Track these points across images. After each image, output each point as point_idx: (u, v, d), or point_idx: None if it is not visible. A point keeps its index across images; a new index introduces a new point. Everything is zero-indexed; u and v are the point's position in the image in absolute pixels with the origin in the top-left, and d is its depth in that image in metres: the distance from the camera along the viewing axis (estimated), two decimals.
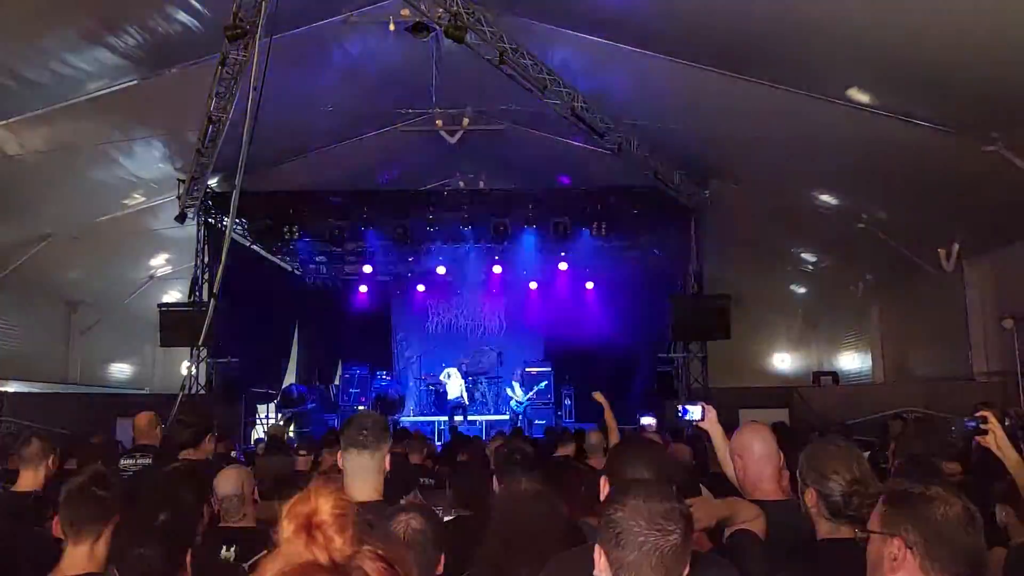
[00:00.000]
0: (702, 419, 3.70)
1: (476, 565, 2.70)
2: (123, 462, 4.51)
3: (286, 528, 1.10)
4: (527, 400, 15.76)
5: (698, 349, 14.15)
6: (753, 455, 3.01)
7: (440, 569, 2.41)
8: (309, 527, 1.08)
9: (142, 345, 17.88)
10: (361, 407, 16.04)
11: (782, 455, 3.05)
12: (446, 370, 16.46)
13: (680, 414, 3.90)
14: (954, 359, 12.94)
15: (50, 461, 4.10)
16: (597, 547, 1.80)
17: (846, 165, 10.99)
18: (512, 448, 4.35)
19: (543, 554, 2.55)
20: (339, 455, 2.96)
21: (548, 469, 4.22)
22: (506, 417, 15.98)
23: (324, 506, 1.10)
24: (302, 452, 6.57)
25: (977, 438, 2.98)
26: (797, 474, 2.58)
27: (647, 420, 7.81)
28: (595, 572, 1.81)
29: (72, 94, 9.75)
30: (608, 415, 5.76)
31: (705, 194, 13.26)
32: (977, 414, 3.00)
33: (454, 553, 2.52)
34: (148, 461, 4.40)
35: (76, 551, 2.59)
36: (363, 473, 2.83)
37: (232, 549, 3.29)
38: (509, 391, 16.39)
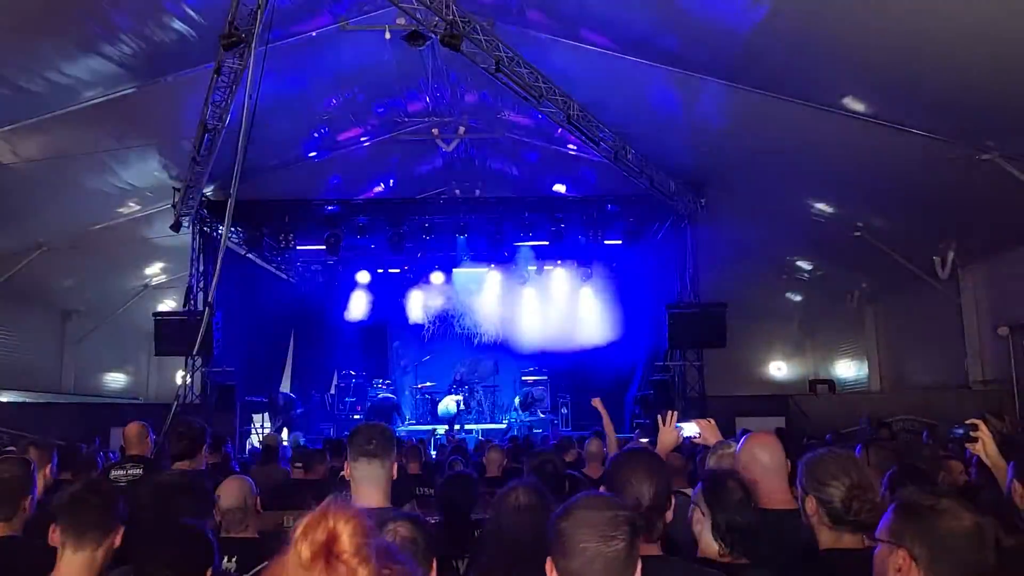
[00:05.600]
0: (697, 436, 3.70)
1: (472, 574, 2.68)
2: (114, 473, 4.45)
3: (302, 552, 1.03)
4: (525, 418, 15.78)
5: (694, 357, 14.13)
6: (760, 466, 2.99)
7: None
8: (328, 555, 1.02)
9: (136, 354, 17.82)
10: (357, 416, 15.98)
11: (789, 464, 3.03)
12: (449, 397, 16.36)
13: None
14: (950, 367, 12.96)
15: (47, 470, 4.05)
16: (548, 559, 1.83)
17: (842, 173, 11.01)
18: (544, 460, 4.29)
19: (540, 564, 2.52)
20: (346, 465, 3.00)
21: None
22: (503, 426, 15.92)
23: (344, 533, 1.04)
24: (298, 465, 6.52)
25: (967, 445, 2.97)
26: (796, 483, 2.56)
27: (643, 441, 7.75)
28: None
29: (67, 103, 9.73)
30: (606, 423, 5.73)
31: (701, 202, 13.26)
32: (968, 421, 2.99)
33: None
34: (140, 472, 4.36)
35: (75, 558, 2.56)
36: (373, 482, 2.92)
37: (233, 560, 3.26)
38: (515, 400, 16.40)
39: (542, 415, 15.99)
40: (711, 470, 2.98)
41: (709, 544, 2.58)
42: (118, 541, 2.63)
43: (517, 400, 16.47)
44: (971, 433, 2.95)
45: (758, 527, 2.66)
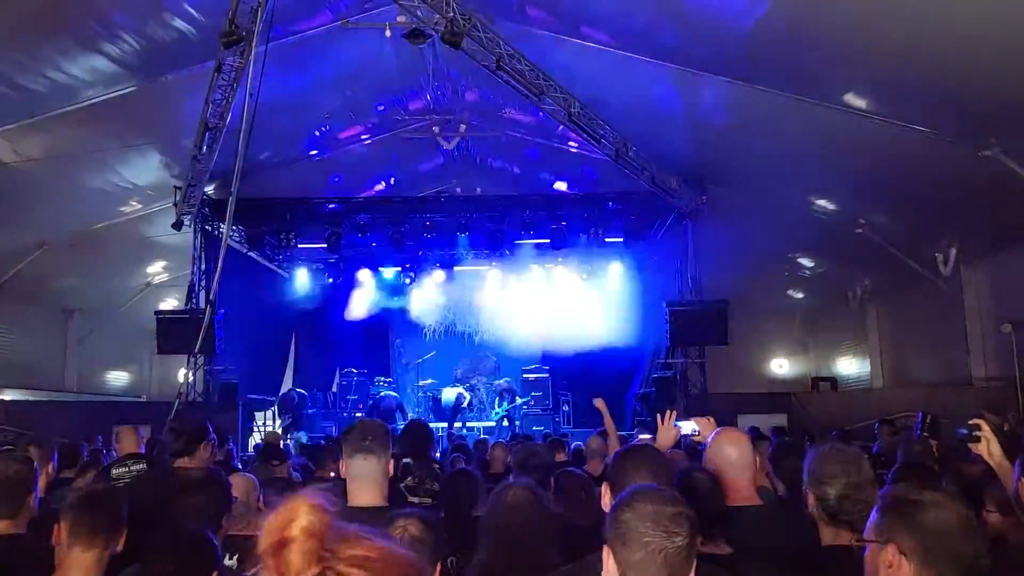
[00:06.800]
0: (695, 434, 3.70)
1: (470, 571, 2.68)
2: (115, 471, 4.47)
3: (262, 543, 1.05)
4: (503, 412, 15.74)
5: (696, 355, 14.12)
6: (728, 462, 2.99)
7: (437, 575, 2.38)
8: (278, 545, 1.03)
9: (139, 353, 17.82)
10: (359, 413, 15.99)
11: (759, 460, 3.04)
12: (450, 388, 16.37)
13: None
14: (952, 364, 12.93)
15: (49, 468, 4.07)
16: (605, 548, 1.82)
17: (844, 170, 10.99)
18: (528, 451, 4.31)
19: (537, 561, 2.52)
20: (342, 462, 2.98)
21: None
22: (491, 423, 15.90)
23: (297, 523, 1.04)
24: (275, 462, 6.50)
25: (971, 445, 2.95)
26: (803, 478, 2.57)
27: (645, 437, 7.75)
28: (603, 572, 1.82)
29: (68, 101, 9.74)
30: (608, 422, 5.76)
31: (702, 199, 13.25)
32: (971, 421, 2.98)
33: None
34: (142, 467, 4.38)
35: (84, 558, 2.57)
36: (367, 479, 2.89)
37: (235, 558, 3.26)
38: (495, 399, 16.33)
39: (535, 403, 15.98)
40: (677, 468, 3.01)
41: None
42: (121, 544, 2.63)
43: (496, 401, 16.40)
44: (974, 433, 2.94)
45: (729, 515, 2.70)
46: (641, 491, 1.87)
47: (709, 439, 3.14)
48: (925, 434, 6.82)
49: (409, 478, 4.30)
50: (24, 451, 3.85)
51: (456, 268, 16.80)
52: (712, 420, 3.79)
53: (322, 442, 9.71)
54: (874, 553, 1.82)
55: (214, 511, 2.97)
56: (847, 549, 2.27)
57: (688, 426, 3.74)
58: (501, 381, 16.50)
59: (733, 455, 2.97)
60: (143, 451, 4.96)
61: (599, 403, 5.91)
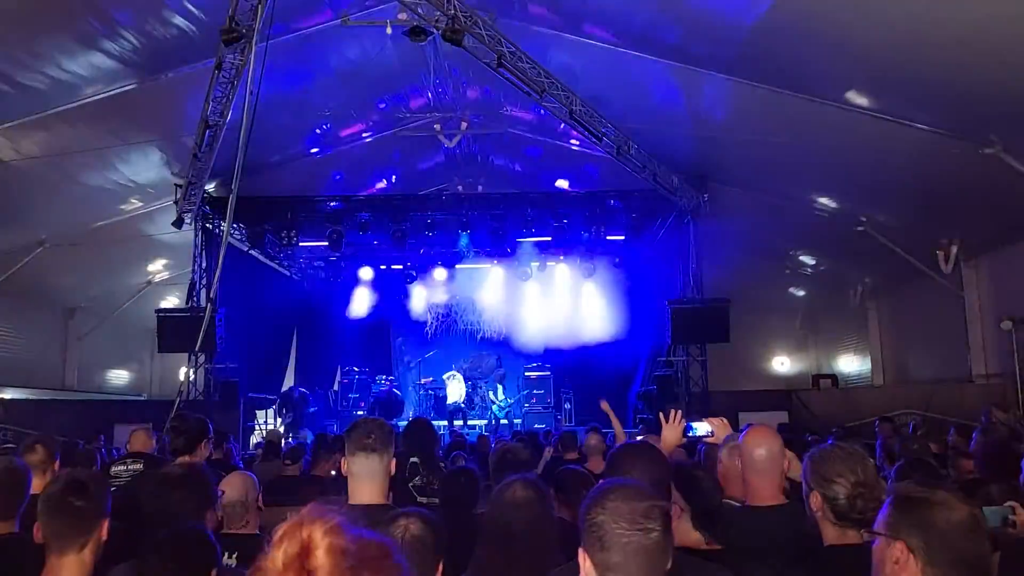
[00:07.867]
0: (710, 435, 3.69)
1: (471, 569, 2.67)
2: (115, 468, 4.48)
3: (276, 559, 1.02)
4: (508, 404, 15.75)
5: (698, 352, 14.12)
6: (755, 460, 2.97)
7: (439, 574, 2.37)
8: (300, 569, 1.01)
9: (140, 351, 17.85)
10: (360, 411, 16.01)
11: (787, 461, 3.01)
12: (449, 373, 16.47)
13: (686, 430, 3.82)
14: (953, 361, 12.93)
15: (56, 466, 4.08)
16: (581, 551, 1.78)
17: (844, 168, 10.98)
18: (505, 450, 4.32)
19: (538, 558, 2.52)
20: (343, 460, 2.95)
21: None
22: (504, 422, 15.90)
23: (320, 547, 1.02)
24: (287, 462, 6.52)
25: (1009, 530, 2.87)
26: (802, 478, 2.55)
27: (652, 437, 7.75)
28: (580, 574, 1.78)
29: (68, 99, 9.73)
30: (615, 423, 5.76)
31: (704, 197, 13.23)
32: (1007, 504, 2.91)
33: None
34: (140, 466, 4.38)
35: (62, 562, 2.51)
36: (370, 477, 2.86)
37: (234, 556, 3.25)
38: (491, 394, 16.31)
39: (537, 401, 16.00)
40: (677, 464, 2.98)
41: (687, 533, 2.62)
42: (104, 535, 2.59)
43: (498, 389, 16.40)
44: (1010, 517, 2.88)
45: (725, 512, 2.69)
46: (611, 489, 1.83)
47: (740, 436, 3.12)
48: (920, 433, 6.81)
49: (417, 478, 4.29)
50: (32, 450, 3.84)
51: (458, 266, 16.81)
52: (726, 421, 3.76)
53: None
54: (882, 548, 1.83)
55: (194, 507, 2.94)
56: (851, 548, 2.27)
57: (703, 427, 3.72)
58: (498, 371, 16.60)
59: (759, 454, 2.95)
60: (155, 452, 4.97)
61: (605, 405, 5.92)
